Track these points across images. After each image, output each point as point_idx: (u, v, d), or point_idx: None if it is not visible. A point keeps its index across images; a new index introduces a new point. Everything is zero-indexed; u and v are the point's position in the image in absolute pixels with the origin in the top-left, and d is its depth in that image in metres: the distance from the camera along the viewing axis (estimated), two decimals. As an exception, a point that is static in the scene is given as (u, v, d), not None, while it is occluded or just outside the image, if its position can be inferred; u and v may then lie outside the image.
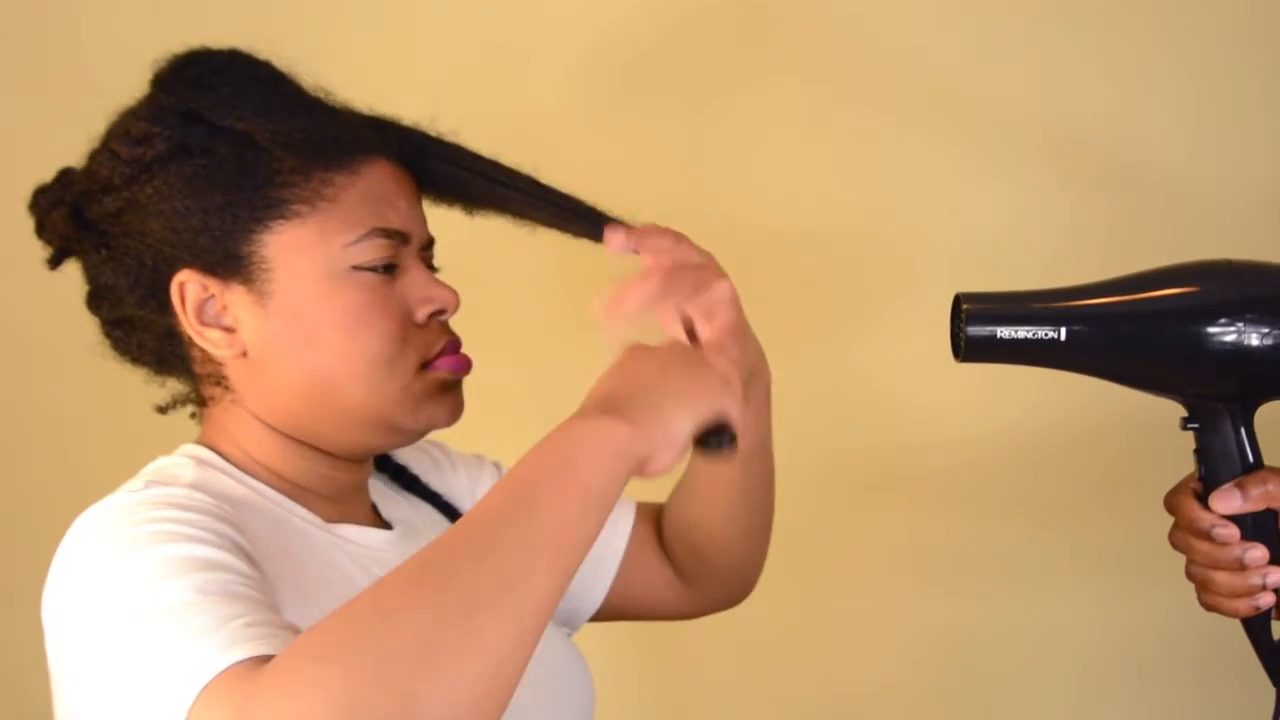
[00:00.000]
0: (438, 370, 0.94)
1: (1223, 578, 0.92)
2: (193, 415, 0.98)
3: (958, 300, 0.92)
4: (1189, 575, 0.95)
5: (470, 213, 1.02)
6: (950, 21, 1.48)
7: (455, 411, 0.96)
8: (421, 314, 0.94)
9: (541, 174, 0.98)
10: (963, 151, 1.49)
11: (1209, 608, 0.94)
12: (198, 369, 0.94)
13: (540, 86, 1.53)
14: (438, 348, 0.94)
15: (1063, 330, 0.89)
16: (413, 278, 0.94)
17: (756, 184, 1.52)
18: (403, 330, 0.92)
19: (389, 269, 0.92)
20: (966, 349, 0.91)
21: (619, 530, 1.14)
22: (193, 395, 0.96)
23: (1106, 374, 0.93)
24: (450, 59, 1.53)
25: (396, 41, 1.55)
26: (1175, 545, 0.95)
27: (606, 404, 0.77)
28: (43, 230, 0.96)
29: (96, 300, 0.96)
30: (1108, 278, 0.91)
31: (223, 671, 0.67)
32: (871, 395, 1.55)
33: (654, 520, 1.16)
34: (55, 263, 0.97)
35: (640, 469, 0.76)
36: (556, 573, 0.69)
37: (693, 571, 1.14)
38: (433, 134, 0.98)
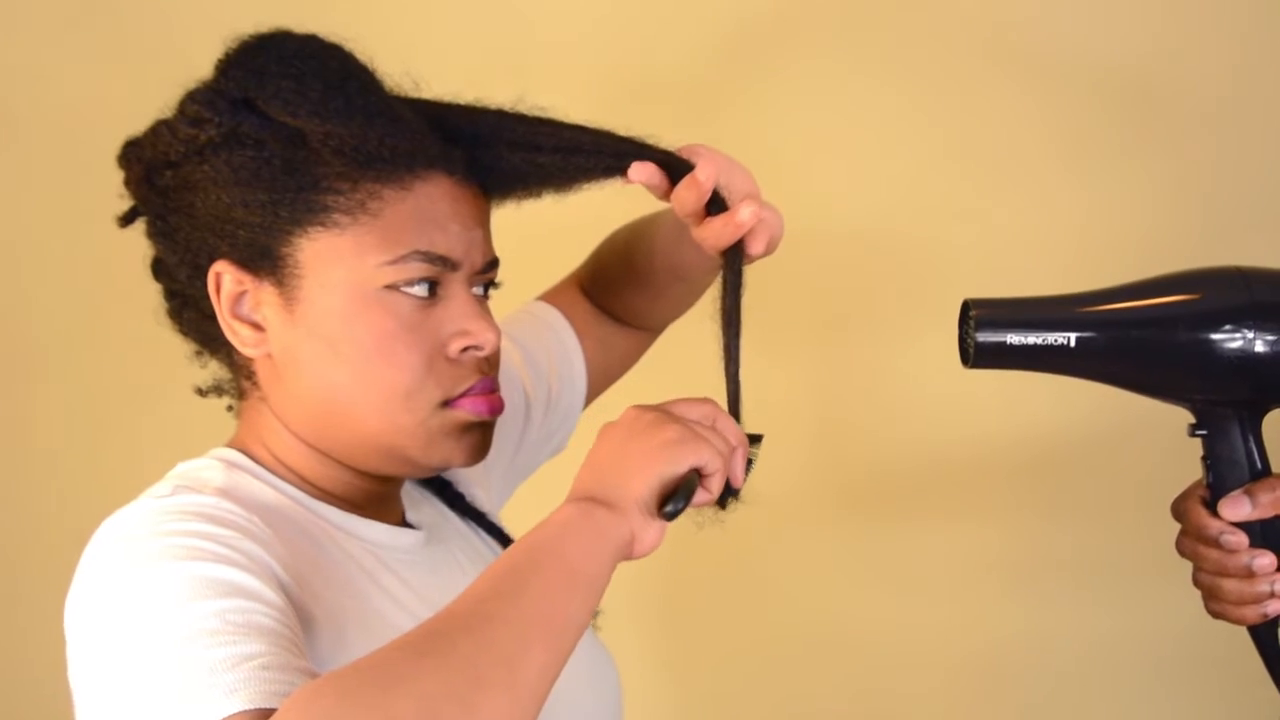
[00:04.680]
0: (459, 409, 0.88)
1: (1231, 585, 0.92)
2: (229, 408, 0.96)
3: (966, 306, 0.91)
4: (1196, 583, 0.95)
5: (565, 192, 0.94)
6: (963, 24, 1.48)
7: (474, 453, 0.91)
8: (454, 348, 0.88)
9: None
10: (973, 156, 1.49)
11: (1216, 615, 0.94)
12: (236, 359, 0.92)
13: (549, 93, 1.52)
14: (464, 386, 0.89)
15: (1073, 336, 0.89)
16: (454, 306, 0.88)
17: (767, 187, 1.52)
18: (428, 362, 0.87)
19: (429, 293, 0.87)
20: (976, 355, 0.90)
21: (569, 348, 1.14)
22: (231, 385, 0.94)
23: (1116, 380, 0.92)
24: (456, 63, 1.52)
25: (403, 44, 1.54)
26: (1182, 552, 0.95)
27: (585, 491, 0.80)
28: (126, 184, 0.93)
29: (156, 268, 0.93)
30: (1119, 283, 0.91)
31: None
32: (882, 400, 1.55)
33: (582, 301, 1.17)
34: (126, 221, 0.94)
35: (628, 551, 0.79)
36: (551, 651, 0.71)
37: (635, 321, 1.18)
38: (513, 113, 0.93)
